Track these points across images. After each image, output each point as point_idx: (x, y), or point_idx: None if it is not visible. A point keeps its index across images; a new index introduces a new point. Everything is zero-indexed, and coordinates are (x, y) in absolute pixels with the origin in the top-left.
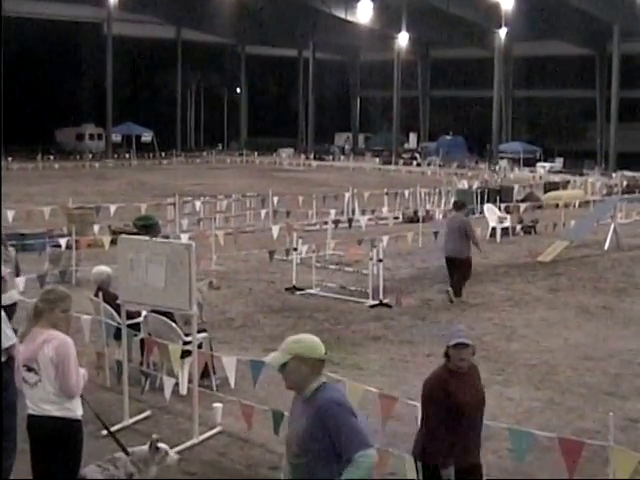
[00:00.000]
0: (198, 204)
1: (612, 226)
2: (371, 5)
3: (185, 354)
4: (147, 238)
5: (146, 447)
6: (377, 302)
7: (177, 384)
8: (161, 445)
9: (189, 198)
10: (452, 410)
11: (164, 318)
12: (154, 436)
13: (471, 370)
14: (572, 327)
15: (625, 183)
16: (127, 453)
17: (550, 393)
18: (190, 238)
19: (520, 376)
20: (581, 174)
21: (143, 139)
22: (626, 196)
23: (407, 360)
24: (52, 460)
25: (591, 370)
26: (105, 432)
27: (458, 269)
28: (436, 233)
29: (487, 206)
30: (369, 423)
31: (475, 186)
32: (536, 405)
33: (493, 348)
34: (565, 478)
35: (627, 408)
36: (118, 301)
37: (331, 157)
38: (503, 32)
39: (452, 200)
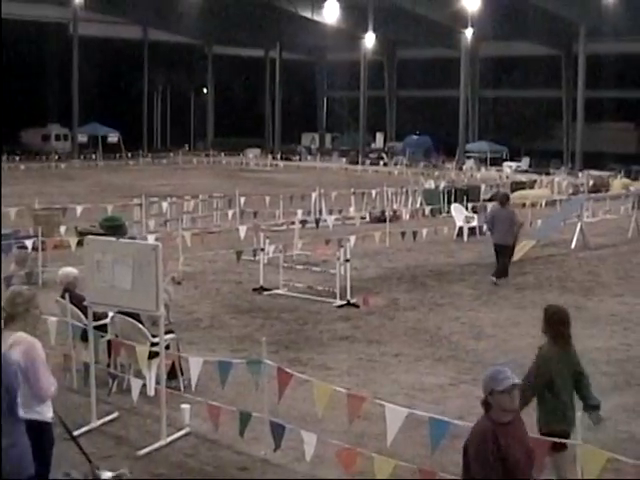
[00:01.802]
0: (165, 205)
1: (579, 225)
2: (338, 5)
3: (153, 355)
4: (114, 239)
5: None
6: (345, 302)
7: (145, 385)
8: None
9: (156, 199)
10: (505, 471)
11: (131, 319)
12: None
13: (516, 419)
14: (539, 326)
15: (591, 182)
16: (89, 460)
17: None
18: (157, 239)
19: None
20: (547, 173)
21: (109, 140)
22: (592, 195)
23: (375, 360)
24: None
25: None
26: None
27: (505, 254)
28: (403, 233)
29: (454, 206)
30: (337, 423)
31: (442, 186)
32: None
33: (461, 347)
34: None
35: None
36: (85, 302)
37: (298, 157)
38: (469, 32)
39: (498, 195)
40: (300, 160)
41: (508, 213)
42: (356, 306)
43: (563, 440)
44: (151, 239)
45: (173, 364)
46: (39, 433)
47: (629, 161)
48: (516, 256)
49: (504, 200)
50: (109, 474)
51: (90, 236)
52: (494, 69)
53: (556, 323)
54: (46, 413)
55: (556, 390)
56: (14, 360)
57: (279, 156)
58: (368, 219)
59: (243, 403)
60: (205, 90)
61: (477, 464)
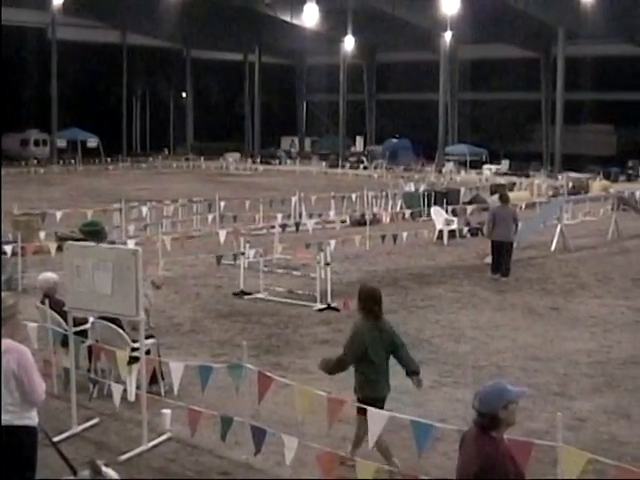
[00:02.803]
0: (144, 209)
1: (558, 227)
2: (317, 9)
3: (133, 360)
4: (93, 244)
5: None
6: (325, 306)
7: (125, 391)
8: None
9: (135, 203)
10: None
11: (111, 324)
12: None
13: None
14: (520, 328)
15: (571, 184)
16: (70, 466)
17: None
18: (137, 244)
19: (469, 378)
20: (527, 176)
21: (89, 144)
22: (572, 197)
23: None
24: (8, 468)
25: (539, 371)
26: (54, 440)
27: (507, 251)
28: (384, 236)
29: (434, 209)
30: (318, 427)
31: (422, 189)
32: None
33: (442, 350)
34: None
35: (575, 408)
36: (65, 308)
37: (278, 161)
38: (449, 35)
39: (497, 195)
40: (280, 164)
41: (509, 211)
42: (337, 310)
43: (543, 442)
44: (131, 244)
45: (154, 369)
46: (31, 438)
47: (608, 163)
48: None
49: (505, 199)
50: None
51: (70, 241)
52: (473, 72)
53: (368, 301)
54: (35, 418)
55: (369, 360)
56: (8, 368)
57: (259, 160)
58: (348, 222)
59: (224, 407)
60: (184, 94)
61: None
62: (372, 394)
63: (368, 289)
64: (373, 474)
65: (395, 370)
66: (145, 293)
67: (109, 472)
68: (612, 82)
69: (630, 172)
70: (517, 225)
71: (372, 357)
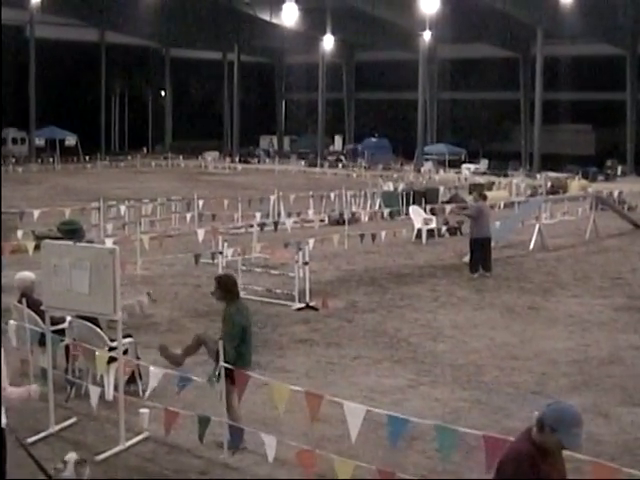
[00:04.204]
0: (123, 208)
1: (537, 227)
2: (296, 7)
3: (111, 360)
4: (71, 243)
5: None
6: (303, 305)
7: (103, 390)
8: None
9: (114, 202)
10: None
11: (89, 324)
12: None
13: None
14: (498, 327)
15: (549, 184)
16: (41, 468)
17: (477, 393)
18: (115, 242)
19: (447, 377)
20: (506, 175)
21: (67, 143)
22: (550, 197)
23: (334, 362)
24: None
25: (517, 370)
26: (31, 440)
27: (488, 247)
28: (362, 236)
29: (413, 208)
30: (296, 425)
31: (401, 188)
32: (463, 405)
33: (420, 349)
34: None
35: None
36: (42, 307)
37: (256, 160)
38: (428, 35)
39: (472, 193)
40: (259, 163)
41: (488, 209)
42: (315, 309)
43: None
44: (109, 243)
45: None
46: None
47: (587, 163)
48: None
49: (485, 196)
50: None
51: (47, 240)
52: (452, 71)
53: (232, 286)
54: (3, 419)
55: (246, 338)
56: None
57: (237, 159)
58: (327, 222)
59: (201, 407)
60: (163, 93)
61: None
62: (243, 367)
63: (227, 277)
64: (352, 473)
65: (369, 370)
66: (140, 300)
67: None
68: (590, 82)
69: (608, 172)
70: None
71: (247, 334)
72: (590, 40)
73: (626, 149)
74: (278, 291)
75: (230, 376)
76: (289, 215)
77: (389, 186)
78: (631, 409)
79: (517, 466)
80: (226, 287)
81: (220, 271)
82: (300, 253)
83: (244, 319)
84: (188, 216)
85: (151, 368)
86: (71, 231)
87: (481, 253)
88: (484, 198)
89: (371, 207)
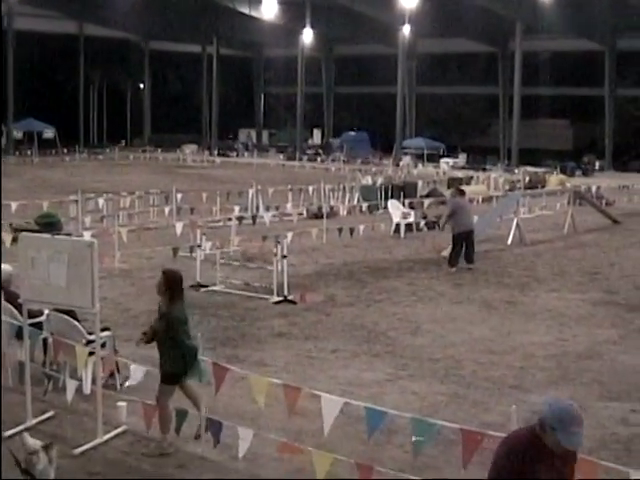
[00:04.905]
0: (101, 201)
1: (515, 221)
2: (275, 1)
3: (89, 353)
4: (49, 236)
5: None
6: (282, 298)
7: (81, 383)
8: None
9: (92, 195)
10: None
11: (67, 317)
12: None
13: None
14: (476, 321)
15: (527, 179)
16: (17, 462)
17: (455, 387)
18: (93, 235)
19: (425, 371)
20: (484, 170)
21: (45, 135)
22: (528, 191)
23: (312, 356)
24: None
25: (495, 364)
26: (8, 433)
27: (471, 239)
28: (340, 229)
29: (391, 202)
30: (275, 419)
31: (379, 182)
32: (441, 399)
33: (398, 343)
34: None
35: (531, 401)
36: (20, 300)
37: (235, 153)
38: (407, 29)
39: (450, 189)
40: (237, 156)
41: (467, 203)
42: (293, 302)
43: (497, 434)
44: (87, 236)
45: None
46: None
47: (565, 157)
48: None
49: (463, 191)
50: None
51: (25, 233)
52: (431, 66)
53: (177, 284)
54: None
55: (179, 339)
56: None
57: (216, 152)
58: (305, 215)
59: (178, 401)
60: (142, 86)
61: (494, 469)
62: (182, 370)
63: (173, 273)
64: (330, 466)
65: (347, 363)
66: None
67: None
68: (569, 77)
69: (586, 167)
70: None
71: (181, 336)
72: (569, 35)
73: (604, 144)
74: (256, 284)
75: (168, 379)
76: (267, 209)
77: (367, 180)
78: (608, 403)
79: (509, 450)
80: (172, 283)
81: (198, 264)
82: (278, 246)
83: (182, 320)
84: (166, 209)
85: (132, 366)
86: (49, 224)
87: (463, 246)
88: (462, 193)
89: (349, 201)
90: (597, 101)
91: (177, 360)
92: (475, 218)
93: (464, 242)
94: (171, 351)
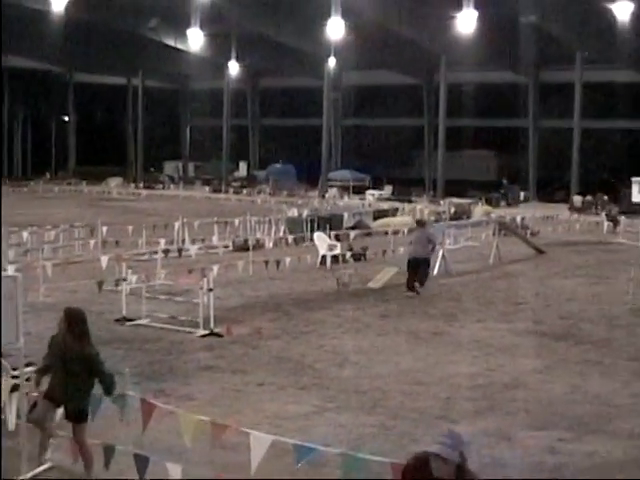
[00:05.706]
0: (25, 234)
1: (440, 252)
2: (201, 33)
3: (13, 388)
4: None
5: None
6: (208, 332)
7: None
8: None
9: (16, 228)
10: None
11: None
12: None
13: None
14: (403, 352)
15: (453, 210)
16: None
17: (382, 418)
18: (17, 269)
19: (352, 402)
20: (410, 201)
21: None
22: (454, 222)
23: (239, 389)
24: None
25: (422, 395)
26: None
27: (422, 266)
28: (267, 262)
29: (317, 234)
30: (202, 454)
31: (305, 214)
32: (368, 431)
33: (325, 375)
34: None
35: (458, 431)
36: None
37: (161, 186)
38: (333, 61)
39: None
40: (163, 189)
41: (423, 233)
42: (219, 335)
43: None
44: (11, 269)
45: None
46: None
47: (490, 188)
48: (378, 283)
49: (422, 223)
50: None
51: None
52: (357, 98)
53: (82, 322)
54: None
55: (101, 371)
56: None
57: (142, 185)
58: (231, 248)
59: (106, 436)
60: (67, 118)
61: None
62: (88, 405)
63: (77, 311)
64: None
65: (274, 396)
66: None
67: None
68: (493, 109)
69: (504, 192)
70: (434, 244)
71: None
72: (493, 68)
73: (528, 175)
74: (182, 318)
75: (83, 417)
76: (193, 241)
77: (294, 212)
78: (535, 433)
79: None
80: (79, 321)
81: (124, 298)
82: (204, 280)
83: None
84: (92, 242)
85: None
86: None
87: (412, 273)
88: (422, 225)
89: (276, 233)
90: (521, 132)
91: (88, 396)
92: (400, 250)
93: (416, 267)
94: (86, 388)
